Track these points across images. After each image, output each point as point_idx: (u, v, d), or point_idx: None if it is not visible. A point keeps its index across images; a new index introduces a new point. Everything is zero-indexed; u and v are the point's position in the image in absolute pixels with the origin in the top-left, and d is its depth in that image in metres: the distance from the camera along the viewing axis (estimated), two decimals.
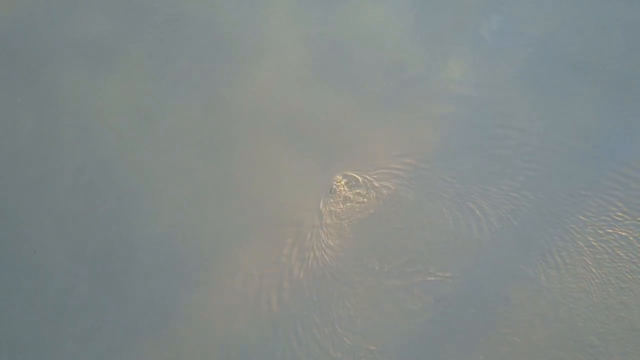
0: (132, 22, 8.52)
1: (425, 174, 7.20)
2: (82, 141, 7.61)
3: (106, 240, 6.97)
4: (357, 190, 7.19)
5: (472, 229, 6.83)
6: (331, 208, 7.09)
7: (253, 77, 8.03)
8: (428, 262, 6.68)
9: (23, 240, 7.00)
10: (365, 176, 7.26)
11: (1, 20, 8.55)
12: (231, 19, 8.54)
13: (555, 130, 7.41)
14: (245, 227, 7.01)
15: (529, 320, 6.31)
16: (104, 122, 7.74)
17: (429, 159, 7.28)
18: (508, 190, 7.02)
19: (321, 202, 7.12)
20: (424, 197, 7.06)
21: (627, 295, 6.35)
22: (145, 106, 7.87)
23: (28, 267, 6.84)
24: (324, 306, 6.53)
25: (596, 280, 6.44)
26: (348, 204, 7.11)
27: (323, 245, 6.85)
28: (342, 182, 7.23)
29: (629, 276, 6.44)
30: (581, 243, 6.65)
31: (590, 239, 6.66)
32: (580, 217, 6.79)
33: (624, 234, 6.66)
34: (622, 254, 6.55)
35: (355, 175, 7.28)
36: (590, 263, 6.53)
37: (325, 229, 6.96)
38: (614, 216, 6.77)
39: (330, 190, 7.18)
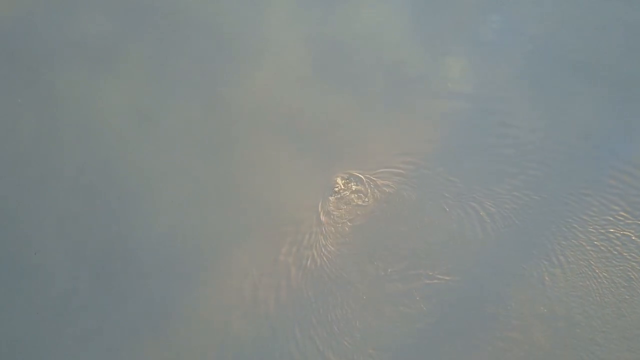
0: (132, 22, 8.52)
1: (426, 174, 7.19)
2: (82, 141, 7.61)
3: (106, 240, 6.96)
4: (358, 191, 7.18)
5: (473, 229, 6.82)
6: (331, 208, 7.08)
7: (253, 77, 8.03)
8: (429, 263, 6.67)
9: (23, 240, 6.99)
10: (366, 176, 7.26)
11: (1, 20, 8.55)
12: (231, 19, 8.54)
13: (556, 130, 7.40)
14: (245, 227, 7.01)
15: (531, 320, 6.30)
16: (104, 122, 7.74)
17: (429, 159, 7.28)
18: (510, 190, 7.01)
19: (321, 202, 7.12)
20: (425, 197, 7.05)
21: (630, 294, 6.34)
22: (145, 106, 7.87)
23: (28, 267, 6.83)
24: (324, 307, 6.51)
25: (599, 280, 6.44)
26: (348, 205, 7.11)
27: (323, 246, 6.85)
28: (342, 183, 7.22)
29: (632, 275, 6.43)
30: (583, 243, 6.65)
31: (593, 238, 6.66)
32: (582, 216, 6.79)
33: (626, 233, 6.66)
34: (624, 254, 6.55)
35: (355, 175, 7.28)
36: (592, 263, 6.53)
37: (325, 230, 6.95)
38: (616, 216, 6.77)
39: (331, 192, 7.18)
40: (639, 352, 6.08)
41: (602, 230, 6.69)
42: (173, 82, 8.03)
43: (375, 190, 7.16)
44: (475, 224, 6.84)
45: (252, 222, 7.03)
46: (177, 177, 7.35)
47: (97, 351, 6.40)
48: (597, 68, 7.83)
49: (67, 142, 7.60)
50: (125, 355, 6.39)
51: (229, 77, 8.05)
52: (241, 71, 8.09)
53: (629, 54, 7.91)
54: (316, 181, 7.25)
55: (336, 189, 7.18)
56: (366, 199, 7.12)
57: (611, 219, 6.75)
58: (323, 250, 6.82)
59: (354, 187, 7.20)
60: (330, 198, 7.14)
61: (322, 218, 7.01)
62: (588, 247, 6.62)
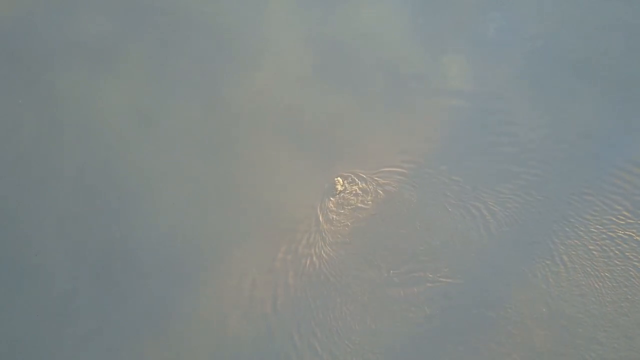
0: (132, 22, 8.51)
1: (427, 174, 7.18)
2: (82, 141, 7.61)
3: (106, 240, 6.96)
4: (358, 191, 7.17)
5: (474, 230, 6.81)
6: (332, 209, 7.08)
7: (253, 77, 8.03)
8: (430, 264, 6.66)
9: (23, 240, 6.99)
10: (366, 176, 7.25)
11: (1, 20, 8.55)
12: (231, 19, 8.53)
13: (557, 129, 7.40)
14: (245, 227, 7.01)
15: (534, 320, 6.30)
16: (104, 122, 7.74)
17: (430, 159, 7.27)
18: (511, 190, 7.01)
19: (321, 202, 7.11)
20: (426, 197, 7.05)
21: (632, 294, 6.34)
22: (145, 106, 7.87)
23: (28, 267, 6.84)
24: (323, 309, 6.51)
25: (601, 280, 6.44)
26: (348, 205, 7.10)
27: (323, 247, 6.84)
28: (343, 183, 7.22)
29: (634, 275, 6.43)
30: (585, 242, 6.64)
31: (595, 238, 6.66)
32: (584, 216, 6.78)
33: (628, 234, 6.65)
34: (626, 253, 6.55)
35: (355, 175, 7.27)
36: (594, 263, 6.52)
37: (325, 231, 6.95)
38: (618, 216, 6.76)
39: (331, 192, 7.17)
40: None
41: (604, 230, 6.69)
42: (173, 82, 8.03)
43: (376, 190, 7.16)
44: (476, 224, 6.83)
45: (252, 222, 7.03)
46: (177, 177, 7.35)
47: (97, 351, 6.40)
48: (597, 68, 7.82)
49: (67, 142, 7.60)
50: (125, 355, 6.40)
51: (229, 77, 8.04)
52: (241, 71, 8.09)
53: (629, 54, 7.90)
54: (316, 181, 7.25)
55: (336, 189, 7.18)
56: (367, 200, 7.11)
57: (613, 218, 6.75)
58: (323, 251, 6.82)
59: (354, 187, 7.19)
60: (331, 198, 7.13)
61: (322, 219, 7.01)
62: (590, 247, 6.62)
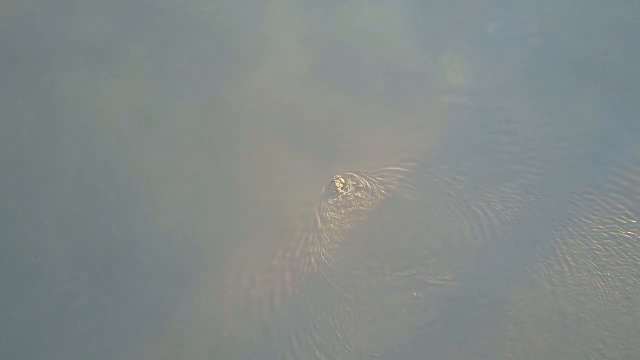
0: (132, 22, 8.51)
1: (428, 174, 7.17)
2: (82, 141, 7.61)
3: (106, 240, 6.97)
4: (358, 191, 7.17)
5: (476, 231, 6.80)
6: (332, 209, 7.08)
7: (253, 77, 8.02)
8: (431, 266, 6.65)
9: (23, 240, 7.00)
10: (367, 176, 7.25)
11: (1, 20, 8.55)
12: (231, 19, 8.53)
13: (557, 129, 7.39)
14: (245, 227, 7.01)
15: (535, 322, 6.29)
16: (104, 122, 7.74)
17: (430, 159, 7.27)
18: (513, 190, 6.99)
19: (322, 203, 7.11)
20: (427, 197, 7.04)
21: (635, 293, 6.34)
22: (145, 106, 7.87)
23: (28, 267, 6.84)
24: (323, 310, 6.51)
25: (603, 280, 6.43)
26: (349, 205, 7.10)
27: (323, 248, 6.84)
28: (343, 183, 7.21)
29: (636, 275, 6.42)
30: (588, 243, 6.63)
31: (597, 239, 6.65)
32: (586, 217, 6.77)
33: (630, 233, 6.65)
34: (629, 254, 6.54)
35: (356, 175, 7.27)
36: (597, 263, 6.52)
37: (325, 231, 6.95)
38: (620, 216, 6.75)
39: (331, 192, 7.17)
40: None
41: (606, 230, 6.68)
42: (173, 82, 8.03)
43: (376, 191, 7.15)
44: (477, 225, 6.83)
45: (252, 222, 7.04)
46: (177, 177, 7.35)
47: (97, 351, 6.41)
48: (597, 67, 7.82)
49: (67, 142, 7.60)
50: (125, 355, 6.40)
51: (229, 77, 8.04)
52: (241, 71, 8.09)
53: (629, 54, 7.90)
54: (316, 181, 7.25)
55: (336, 190, 7.18)
56: (367, 200, 7.11)
57: (616, 218, 6.74)
58: (323, 251, 6.82)
59: (354, 188, 7.19)
60: (331, 199, 7.13)
61: (322, 219, 7.01)
62: (592, 247, 6.61)
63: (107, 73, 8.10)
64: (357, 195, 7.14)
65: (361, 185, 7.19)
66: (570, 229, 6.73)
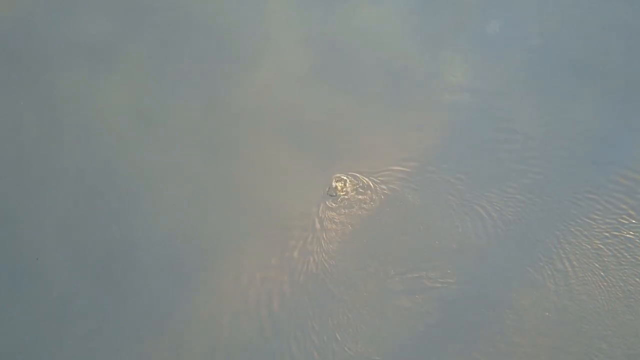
0: (132, 22, 8.51)
1: (429, 175, 7.16)
2: (82, 141, 7.61)
3: (106, 240, 6.96)
4: (359, 191, 7.16)
5: (477, 231, 6.78)
6: (332, 210, 7.07)
7: (253, 77, 8.02)
8: (432, 267, 6.63)
9: (24, 241, 6.99)
10: (367, 177, 7.25)
11: (1, 20, 8.55)
12: (231, 19, 8.54)
13: (558, 129, 7.39)
14: (246, 228, 7.00)
15: (536, 324, 6.28)
16: (104, 122, 7.74)
17: (431, 159, 7.26)
18: (514, 191, 6.97)
19: (322, 203, 7.11)
20: (428, 198, 7.02)
21: (634, 297, 6.33)
22: (145, 106, 7.87)
23: (29, 267, 6.83)
24: (324, 310, 6.49)
25: (603, 284, 6.42)
26: (349, 206, 7.09)
27: (323, 249, 6.83)
28: (344, 183, 7.20)
29: (637, 277, 6.41)
30: (589, 244, 6.62)
31: (599, 239, 6.64)
32: (588, 217, 6.76)
33: (632, 234, 6.64)
34: (629, 257, 6.53)
35: (356, 175, 7.26)
36: (598, 265, 6.50)
37: (325, 232, 6.94)
38: (622, 216, 6.74)
39: (331, 192, 7.16)
40: None
41: (608, 230, 6.67)
42: (173, 82, 8.03)
43: (377, 191, 7.15)
44: (478, 225, 6.81)
45: (252, 222, 7.03)
46: (177, 177, 7.34)
47: (98, 351, 6.40)
48: (597, 67, 7.82)
49: (67, 143, 7.60)
50: (125, 355, 6.39)
51: (229, 77, 8.04)
52: (241, 71, 8.09)
53: (629, 54, 7.91)
54: (317, 181, 7.24)
55: (337, 190, 7.17)
56: (368, 200, 7.10)
57: (616, 220, 6.73)
58: (323, 252, 6.80)
59: (354, 188, 7.18)
60: (331, 199, 7.12)
61: (322, 219, 7.00)
62: (594, 247, 6.60)
63: (107, 73, 8.10)
64: (357, 195, 7.13)
65: (361, 185, 7.19)
66: (572, 229, 6.72)
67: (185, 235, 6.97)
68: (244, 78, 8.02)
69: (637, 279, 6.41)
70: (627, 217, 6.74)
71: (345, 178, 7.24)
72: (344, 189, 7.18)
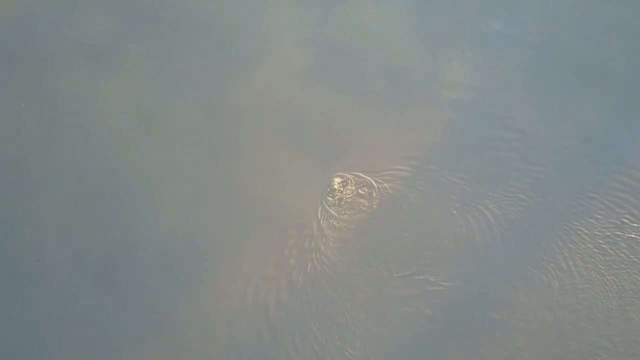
0: (132, 22, 8.51)
1: (430, 176, 7.15)
2: (82, 142, 7.60)
3: (106, 240, 6.96)
4: (360, 192, 7.15)
5: (479, 232, 6.77)
6: (333, 210, 7.06)
7: (253, 77, 8.02)
8: (434, 268, 6.61)
9: (24, 241, 6.98)
10: (368, 177, 7.24)
11: (1, 20, 8.54)
12: (231, 19, 8.53)
13: (559, 130, 7.38)
14: (246, 228, 7.00)
15: (538, 323, 6.27)
16: (104, 122, 7.73)
17: (432, 160, 7.25)
18: (515, 192, 6.96)
19: (322, 204, 7.10)
20: (430, 199, 7.01)
21: (638, 297, 6.32)
22: (145, 106, 7.87)
23: (28, 267, 6.83)
24: (324, 312, 6.48)
25: (606, 283, 6.40)
26: (350, 206, 7.08)
27: (324, 250, 6.82)
28: (344, 184, 7.19)
29: (639, 278, 6.41)
30: (590, 246, 6.60)
31: (600, 241, 6.62)
32: (589, 219, 6.74)
33: (633, 236, 6.63)
34: (631, 256, 6.52)
35: (357, 176, 7.26)
36: (599, 266, 6.49)
37: (325, 232, 6.93)
38: (624, 217, 6.72)
39: (331, 192, 7.16)
40: None
41: (609, 232, 6.66)
42: (173, 82, 8.03)
43: (377, 191, 7.14)
44: (480, 226, 6.80)
45: (252, 222, 7.03)
46: (177, 177, 7.34)
47: (98, 351, 6.40)
48: (597, 67, 7.82)
49: (67, 143, 7.59)
50: (125, 355, 6.39)
51: (229, 77, 8.04)
52: (241, 71, 8.09)
53: (629, 54, 7.90)
54: (317, 181, 7.24)
55: (337, 190, 7.16)
56: (368, 201, 7.09)
57: (617, 221, 6.72)
58: (323, 252, 6.80)
59: (354, 188, 7.17)
60: (331, 199, 7.12)
61: (323, 219, 7.00)
62: (595, 249, 6.58)
63: (107, 73, 8.10)
64: (357, 195, 7.13)
65: (361, 185, 7.18)
66: (573, 231, 6.70)
67: (185, 235, 6.97)
68: (244, 78, 8.02)
69: (639, 282, 6.40)
70: (628, 219, 6.72)
71: (345, 178, 7.24)
72: (344, 189, 7.17)
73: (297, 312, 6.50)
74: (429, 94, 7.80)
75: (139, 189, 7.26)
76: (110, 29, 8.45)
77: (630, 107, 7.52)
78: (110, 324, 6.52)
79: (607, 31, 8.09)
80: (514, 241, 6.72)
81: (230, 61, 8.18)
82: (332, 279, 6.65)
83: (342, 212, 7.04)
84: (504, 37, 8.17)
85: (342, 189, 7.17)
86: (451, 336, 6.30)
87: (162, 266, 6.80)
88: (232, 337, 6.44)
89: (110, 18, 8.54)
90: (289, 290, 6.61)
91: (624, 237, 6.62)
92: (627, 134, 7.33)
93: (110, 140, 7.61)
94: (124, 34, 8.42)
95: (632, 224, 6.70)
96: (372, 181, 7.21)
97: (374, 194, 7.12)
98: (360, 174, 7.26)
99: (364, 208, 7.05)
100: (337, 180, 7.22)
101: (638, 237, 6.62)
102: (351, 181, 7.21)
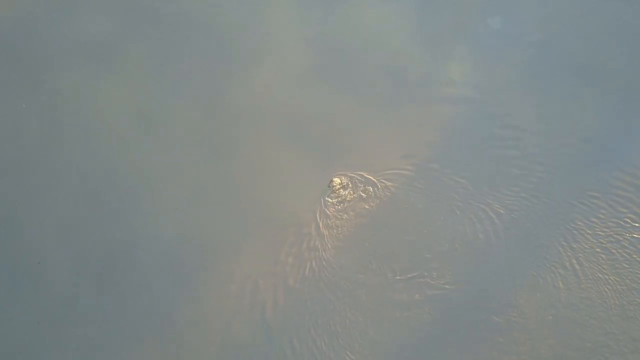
0: (132, 22, 8.51)
1: (431, 177, 7.14)
2: (82, 142, 7.61)
3: (106, 240, 6.96)
4: (359, 192, 7.15)
5: (480, 234, 6.76)
6: (332, 210, 7.06)
7: (253, 77, 8.02)
8: (435, 269, 6.59)
9: (25, 242, 6.98)
10: (368, 177, 7.24)
11: (1, 20, 8.55)
12: (231, 19, 8.53)
13: (560, 131, 7.37)
14: (245, 228, 7.00)
15: (540, 325, 6.25)
16: (105, 122, 7.74)
17: (432, 160, 7.24)
18: (516, 192, 6.94)
19: (323, 204, 7.10)
20: (430, 199, 7.00)
21: None
22: (145, 107, 7.87)
23: (29, 268, 6.83)
24: (324, 313, 6.47)
25: (608, 283, 6.39)
26: (350, 206, 7.08)
27: (324, 250, 6.81)
28: (344, 184, 7.19)
29: None
30: (592, 246, 6.59)
31: (602, 242, 6.61)
32: (591, 220, 6.72)
33: (635, 236, 6.62)
34: (634, 257, 6.51)
35: (357, 176, 7.25)
36: (602, 266, 6.47)
37: (326, 232, 6.92)
38: (625, 218, 6.71)
39: (331, 193, 7.16)
40: None
41: (611, 233, 6.64)
42: (173, 82, 8.03)
43: (378, 191, 7.14)
44: (481, 228, 6.78)
45: (252, 222, 7.02)
46: (178, 177, 7.34)
47: (98, 351, 6.40)
48: (598, 67, 7.82)
49: (68, 143, 7.60)
50: (125, 355, 6.39)
51: (229, 77, 8.04)
52: (241, 71, 8.09)
53: (629, 54, 7.90)
54: (317, 181, 7.23)
55: (337, 190, 7.16)
56: (368, 200, 7.09)
57: (620, 222, 6.70)
58: (324, 253, 6.79)
59: (355, 188, 7.17)
60: (331, 199, 7.11)
61: (323, 220, 7.00)
62: (597, 250, 6.57)
63: (107, 73, 8.10)
64: (357, 195, 7.13)
65: (361, 185, 7.18)
66: (575, 232, 6.69)
67: (185, 235, 6.97)
68: (244, 78, 8.02)
69: None
70: (629, 220, 6.71)
71: (345, 178, 7.24)
72: (344, 189, 7.17)
73: (297, 311, 6.50)
74: (429, 93, 7.80)
75: (139, 189, 7.26)
76: (110, 29, 8.45)
77: (630, 107, 7.51)
78: (110, 324, 6.52)
79: (607, 31, 8.09)
80: (516, 241, 6.71)
81: (230, 61, 8.18)
82: (331, 280, 6.65)
83: (342, 212, 7.04)
84: (504, 37, 8.17)
85: (342, 189, 7.17)
86: (452, 338, 6.28)
87: (162, 266, 6.80)
88: (231, 337, 6.43)
89: (110, 18, 8.54)
90: (289, 290, 6.61)
91: (625, 237, 6.62)
92: (628, 135, 7.33)
93: (110, 140, 7.61)
94: (124, 34, 8.42)
95: (634, 224, 6.69)
96: (373, 181, 7.20)
97: (375, 194, 7.12)
98: (361, 174, 7.26)
99: (364, 208, 7.05)
100: (337, 180, 7.22)
101: (638, 238, 6.61)
102: (351, 181, 7.21)
